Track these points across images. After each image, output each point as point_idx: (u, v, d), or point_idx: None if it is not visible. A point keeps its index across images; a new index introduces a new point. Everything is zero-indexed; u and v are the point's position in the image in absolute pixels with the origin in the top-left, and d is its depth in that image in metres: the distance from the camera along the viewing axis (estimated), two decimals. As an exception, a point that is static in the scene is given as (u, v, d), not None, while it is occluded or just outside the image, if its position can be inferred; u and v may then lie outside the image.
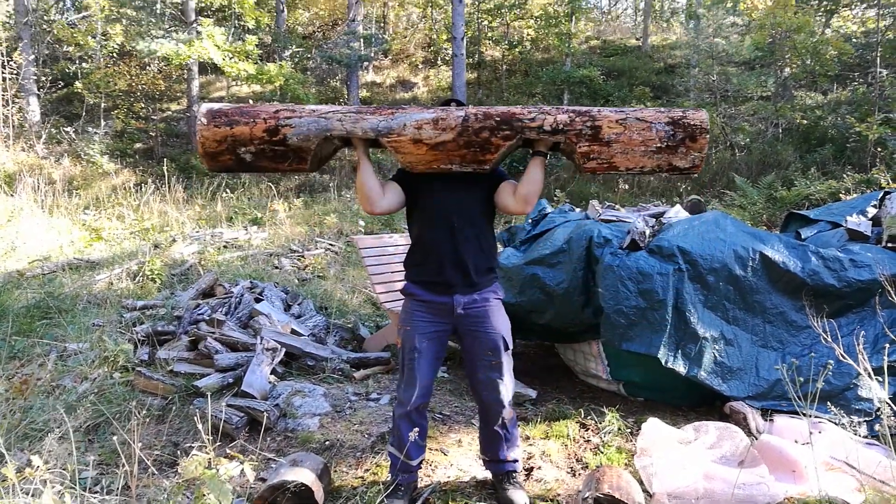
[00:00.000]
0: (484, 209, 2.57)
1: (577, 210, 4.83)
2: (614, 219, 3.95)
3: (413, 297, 2.59)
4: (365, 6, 18.86)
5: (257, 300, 4.89)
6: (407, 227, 2.72)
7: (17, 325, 4.71)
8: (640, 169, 2.41)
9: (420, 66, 19.83)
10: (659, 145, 2.37)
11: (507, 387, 2.61)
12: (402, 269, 2.75)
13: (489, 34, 18.75)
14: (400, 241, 4.87)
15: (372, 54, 16.29)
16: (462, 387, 4.10)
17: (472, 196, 2.53)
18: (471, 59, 17.70)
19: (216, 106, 2.41)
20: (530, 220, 4.66)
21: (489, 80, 18.33)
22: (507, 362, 2.60)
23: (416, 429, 2.59)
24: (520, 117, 2.37)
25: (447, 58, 18.29)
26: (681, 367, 3.34)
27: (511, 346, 2.62)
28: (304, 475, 2.50)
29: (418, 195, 2.55)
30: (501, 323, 2.59)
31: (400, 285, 4.58)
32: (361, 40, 15.56)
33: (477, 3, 18.38)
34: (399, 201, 2.54)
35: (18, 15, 13.35)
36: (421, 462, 2.74)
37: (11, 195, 9.51)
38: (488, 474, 2.83)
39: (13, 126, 12.82)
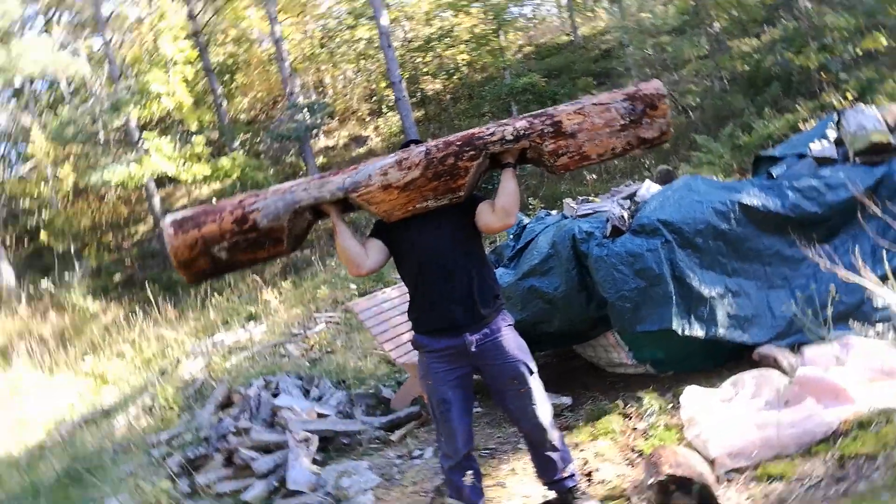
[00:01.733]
0: (469, 237, 2.53)
1: (554, 213, 4.89)
2: (591, 211, 4.01)
3: (425, 349, 2.55)
4: (300, 77, 19.17)
5: (275, 395, 4.86)
6: (400, 278, 2.71)
7: (52, 501, 4.61)
8: (611, 152, 2.42)
9: (368, 119, 20.11)
10: (623, 122, 2.39)
11: (544, 409, 2.56)
12: (405, 321, 2.73)
13: (425, 70, 19.09)
14: (394, 294, 4.89)
15: (319, 120, 16.49)
16: (498, 416, 4.07)
17: (454, 228, 2.49)
18: (414, 98, 17.98)
19: (179, 214, 2.38)
20: (512, 236, 4.71)
21: (437, 113, 18.60)
22: (536, 385, 2.55)
23: (470, 471, 2.56)
24: (480, 135, 2.40)
25: (391, 103, 18.55)
26: (698, 331, 3.36)
27: (535, 370, 2.56)
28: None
29: (400, 244, 2.51)
30: (519, 349, 2.53)
31: (406, 337, 4.59)
32: (305, 110, 15.76)
33: (406, 43, 18.76)
34: (384, 256, 2.50)
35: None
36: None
37: (7, 368, 9.41)
38: (553, 493, 2.77)
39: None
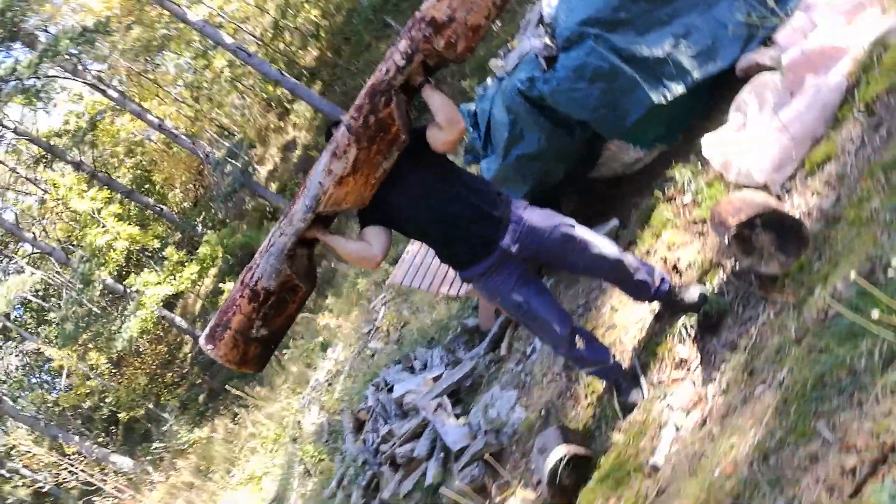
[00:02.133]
0: (436, 166, 2.53)
1: (489, 81, 4.79)
2: (518, 59, 3.94)
3: (474, 279, 2.59)
4: (200, 137, 18.78)
5: (390, 391, 5.10)
6: (411, 240, 2.76)
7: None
8: (494, 7, 2.39)
9: (282, 124, 19.69)
10: None
11: (606, 245, 2.60)
12: (440, 263, 2.78)
13: (294, 49, 18.41)
14: (414, 248, 4.98)
15: (245, 158, 16.26)
16: (569, 277, 4.18)
17: (416, 169, 2.49)
18: (304, 77, 17.45)
19: (206, 329, 2.53)
20: (471, 128, 4.66)
21: (331, 74, 18.02)
22: (585, 232, 2.57)
23: (579, 337, 2.66)
24: (378, 80, 2.39)
25: (290, 97, 18.11)
26: (678, 88, 3.34)
27: (574, 222, 2.58)
28: (560, 451, 2.63)
29: (389, 217, 2.55)
30: (548, 218, 2.56)
31: (451, 273, 4.70)
32: (227, 160, 15.54)
33: (260, 41, 18.06)
34: (386, 235, 2.54)
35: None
36: (612, 353, 2.81)
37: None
38: (657, 304, 2.89)
39: (130, 485, 13.43)
